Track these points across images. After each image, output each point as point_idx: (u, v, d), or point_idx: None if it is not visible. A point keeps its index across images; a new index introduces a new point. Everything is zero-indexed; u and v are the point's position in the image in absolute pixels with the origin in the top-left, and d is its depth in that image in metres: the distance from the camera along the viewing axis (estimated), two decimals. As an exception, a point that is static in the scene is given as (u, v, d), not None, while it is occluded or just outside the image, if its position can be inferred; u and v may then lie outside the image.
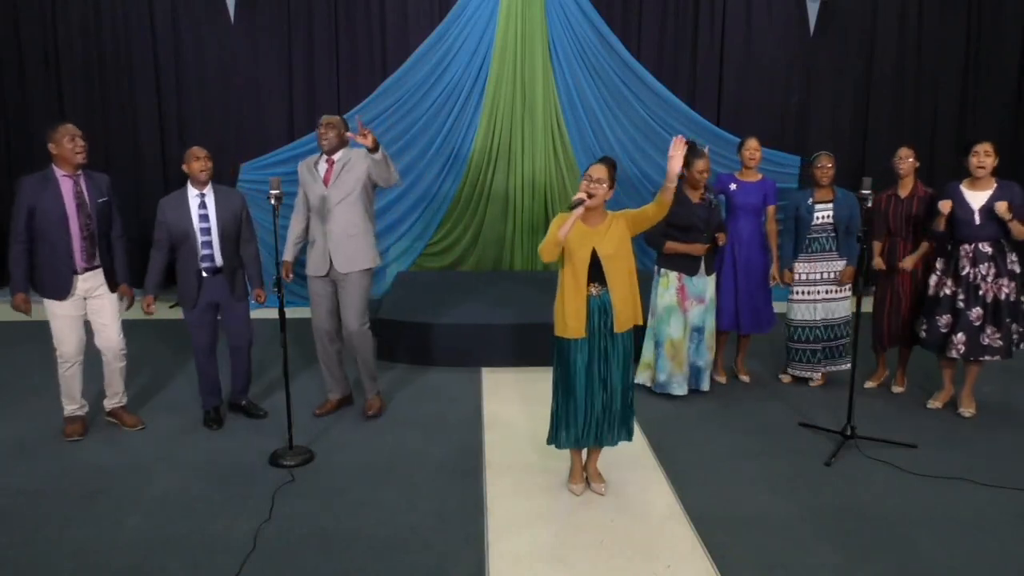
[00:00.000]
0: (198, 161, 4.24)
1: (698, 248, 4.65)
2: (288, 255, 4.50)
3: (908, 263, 4.70)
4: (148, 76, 7.13)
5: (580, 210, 3.35)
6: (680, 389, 4.82)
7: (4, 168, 7.23)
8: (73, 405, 4.28)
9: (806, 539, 3.31)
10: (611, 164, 3.48)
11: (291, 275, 4.47)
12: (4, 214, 7.26)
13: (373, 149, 4.06)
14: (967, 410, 4.61)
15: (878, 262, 4.79)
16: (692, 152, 4.57)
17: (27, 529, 3.36)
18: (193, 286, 4.27)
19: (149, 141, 7.22)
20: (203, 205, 4.25)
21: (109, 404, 4.43)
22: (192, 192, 4.27)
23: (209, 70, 7.18)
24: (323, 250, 4.35)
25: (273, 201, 3.80)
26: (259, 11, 7.12)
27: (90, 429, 4.35)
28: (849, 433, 4.18)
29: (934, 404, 4.75)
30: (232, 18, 7.10)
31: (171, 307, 7.13)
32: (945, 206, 4.43)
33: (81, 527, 3.38)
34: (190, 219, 4.23)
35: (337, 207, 4.30)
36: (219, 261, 4.30)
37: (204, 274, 4.27)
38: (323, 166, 4.37)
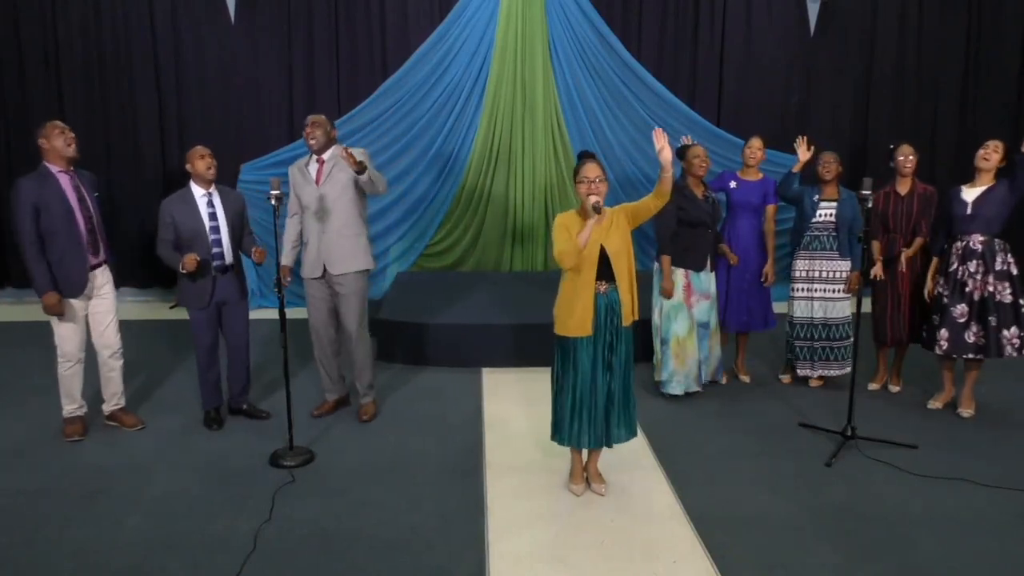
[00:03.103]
0: (203, 160, 4.22)
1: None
2: (287, 259, 4.47)
3: (904, 262, 4.71)
4: (148, 76, 7.14)
5: (597, 216, 3.33)
6: (678, 388, 4.80)
7: (4, 168, 7.23)
8: (72, 405, 4.27)
9: (806, 539, 3.31)
10: (597, 158, 3.52)
11: (289, 279, 4.46)
12: (4, 214, 7.30)
13: (359, 172, 4.08)
14: (966, 410, 4.61)
15: (877, 271, 4.74)
16: (683, 147, 4.83)
17: (27, 529, 3.35)
18: (207, 286, 4.26)
19: (149, 141, 7.23)
20: (211, 204, 4.26)
21: (108, 408, 4.42)
22: (198, 192, 4.25)
23: (209, 70, 7.18)
24: (316, 252, 4.33)
25: (273, 201, 3.80)
26: (259, 11, 7.13)
27: (90, 429, 4.34)
28: (849, 433, 4.18)
29: (934, 405, 4.75)
30: (232, 18, 7.11)
31: (171, 307, 7.14)
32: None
33: (81, 527, 3.37)
34: (200, 219, 4.21)
35: (330, 207, 4.28)
36: (229, 259, 4.31)
37: (214, 273, 4.27)
38: (314, 166, 4.36)
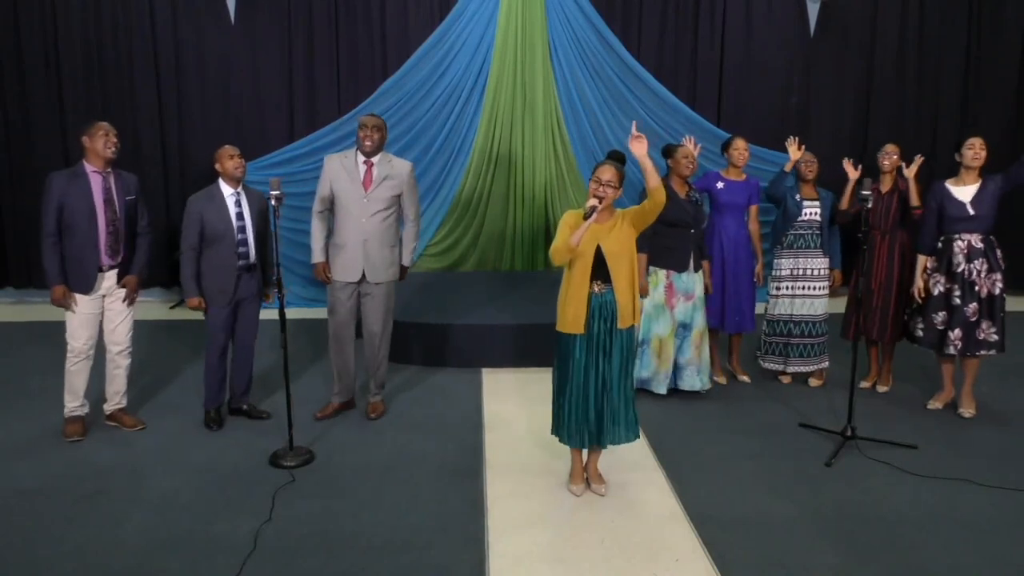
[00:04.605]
0: (232, 160, 4.25)
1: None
2: (321, 256, 4.43)
3: (912, 172, 4.71)
4: (148, 76, 7.13)
5: (594, 217, 3.36)
6: (661, 388, 4.80)
7: (5, 167, 7.22)
8: (75, 402, 4.28)
9: (806, 539, 3.31)
10: (621, 162, 3.51)
11: (330, 276, 4.42)
12: (6, 212, 7.30)
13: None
14: (967, 410, 4.61)
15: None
16: (672, 146, 4.86)
17: (27, 529, 3.35)
18: (230, 284, 4.28)
19: (149, 141, 7.22)
20: (238, 204, 4.29)
21: (109, 407, 4.42)
22: (227, 191, 4.27)
23: (209, 70, 7.18)
24: (356, 257, 4.32)
25: (274, 202, 3.80)
26: (259, 11, 7.13)
27: (90, 429, 4.34)
28: (849, 434, 4.18)
29: (934, 405, 4.75)
30: (232, 18, 7.10)
31: (171, 308, 7.14)
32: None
33: (81, 527, 3.37)
34: (228, 218, 4.24)
35: (375, 216, 4.29)
36: (252, 258, 4.34)
37: (238, 271, 4.29)
38: (362, 168, 4.33)
